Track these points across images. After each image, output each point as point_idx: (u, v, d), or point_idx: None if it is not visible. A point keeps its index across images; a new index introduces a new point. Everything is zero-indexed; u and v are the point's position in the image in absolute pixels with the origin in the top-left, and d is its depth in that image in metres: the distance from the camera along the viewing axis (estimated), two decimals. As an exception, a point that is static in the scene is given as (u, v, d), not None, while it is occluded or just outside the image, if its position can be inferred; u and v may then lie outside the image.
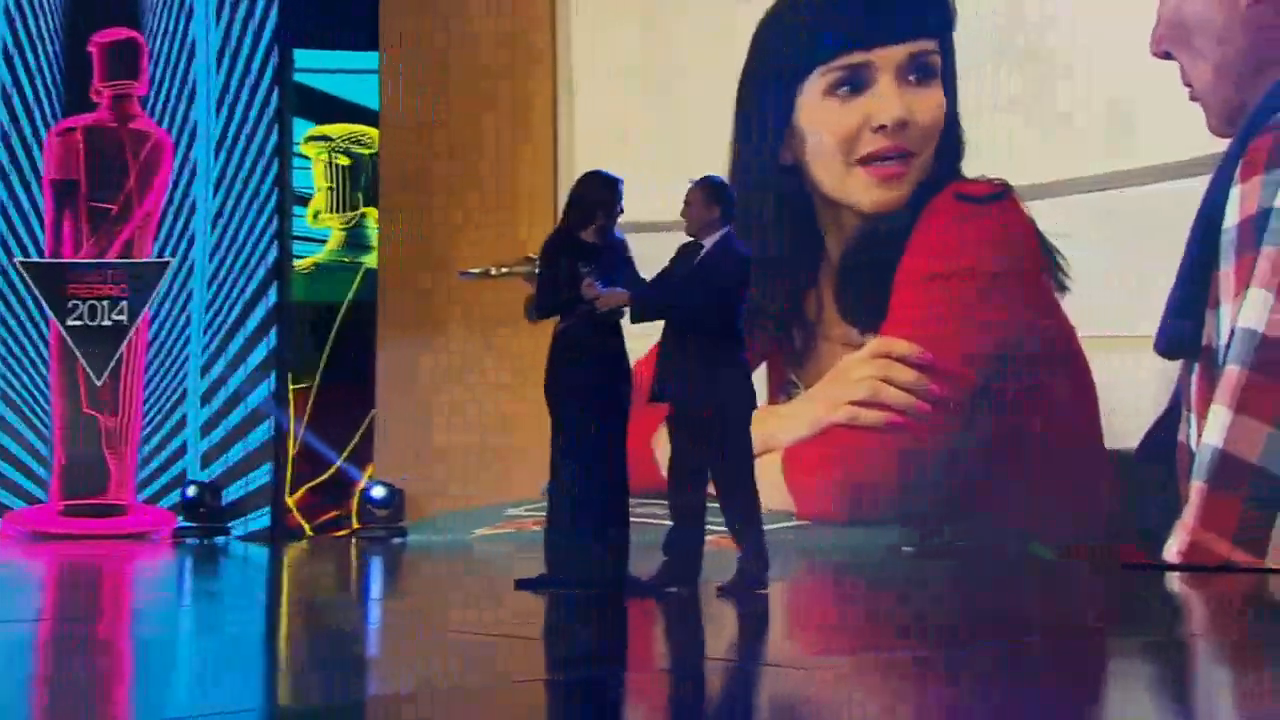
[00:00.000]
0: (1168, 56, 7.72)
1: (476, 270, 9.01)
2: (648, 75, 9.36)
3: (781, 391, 8.96)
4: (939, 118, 8.46)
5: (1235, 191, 7.34)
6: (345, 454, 9.71)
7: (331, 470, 9.65)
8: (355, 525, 9.36)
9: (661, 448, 8.97)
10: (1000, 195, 8.30)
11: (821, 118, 8.75)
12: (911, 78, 8.52)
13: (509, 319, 9.06)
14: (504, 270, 9.01)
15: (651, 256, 9.17)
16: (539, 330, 9.14)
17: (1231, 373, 7.27)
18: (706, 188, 5.27)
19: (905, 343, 8.41)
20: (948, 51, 8.45)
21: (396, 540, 8.97)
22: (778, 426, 8.66)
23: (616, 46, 9.49)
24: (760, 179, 8.97)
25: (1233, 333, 7.34)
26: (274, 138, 9.57)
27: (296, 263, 9.89)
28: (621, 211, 5.29)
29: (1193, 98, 7.62)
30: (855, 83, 8.61)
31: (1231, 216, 7.36)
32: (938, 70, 8.47)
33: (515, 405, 9.24)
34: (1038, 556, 8.08)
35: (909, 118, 8.51)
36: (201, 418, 9.46)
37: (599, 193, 5.27)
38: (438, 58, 9.52)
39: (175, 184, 9.80)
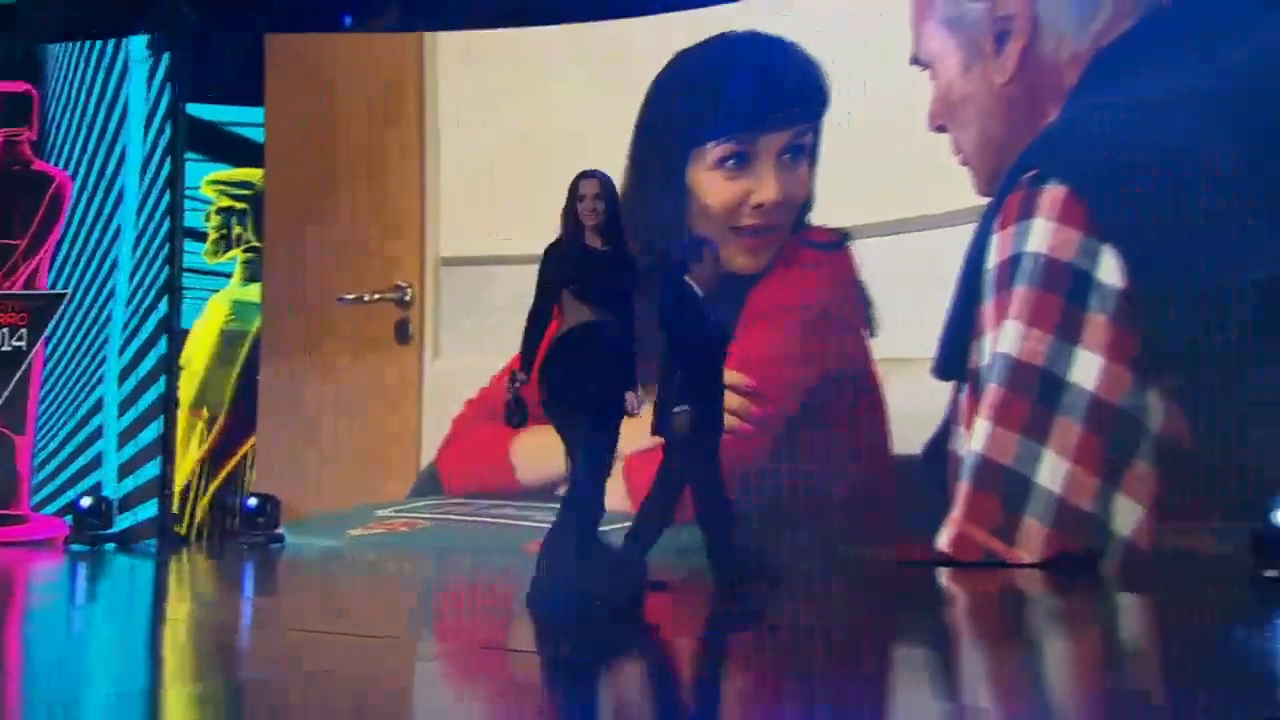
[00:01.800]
0: (942, 130, 8.17)
1: (351, 296, 9.20)
2: (512, 119, 9.43)
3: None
4: (805, 192, 8.72)
5: (994, 239, 7.73)
6: (229, 467, 9.61)
7: (218, 482, 9.54)
8: (237, 532, 9.19)
9: (520, 456, 9.09)
10: (841, 243, 8.60)
11: (709, 186, 8.94)
12: (787, 158, 8.77)
13: (381, 340, 9.30)
14: (376, 296, 9.25)
15: (525, 292, 9.51)
16: (406, 349, 9.31)
17: (991, 391, 7.58)
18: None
19: (735, 373, 8.53)
20: (818, 131, 8.73)
21: (275, 545, 8.79)
22: (625, 438, 9.00)
23: (482, 95, 9.56)
24: (646, 223, 8.94)
25: (993, 357, 7.67)
26: (165, 173, 9.53)
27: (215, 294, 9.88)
28: (604, 211, 4.47)
29: (962, 163, 8.06)
30: (741, 160, 8.85)
31: (991, 260, 7.73)
32: (809, 149, 8.75)
33: (387, 418, 9.28)
34: (844, 556, 8.19)
35: (782, 198, 8.80)
36: (115, 431, 9.46)
37: (568, 198, 4.56)
38: (317, 108, 9.54)
39: (78, 221, 9.76)
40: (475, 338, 9.34)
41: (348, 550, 8.74)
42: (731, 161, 8.84)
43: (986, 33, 8.02)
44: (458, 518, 9.12)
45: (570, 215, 4.41)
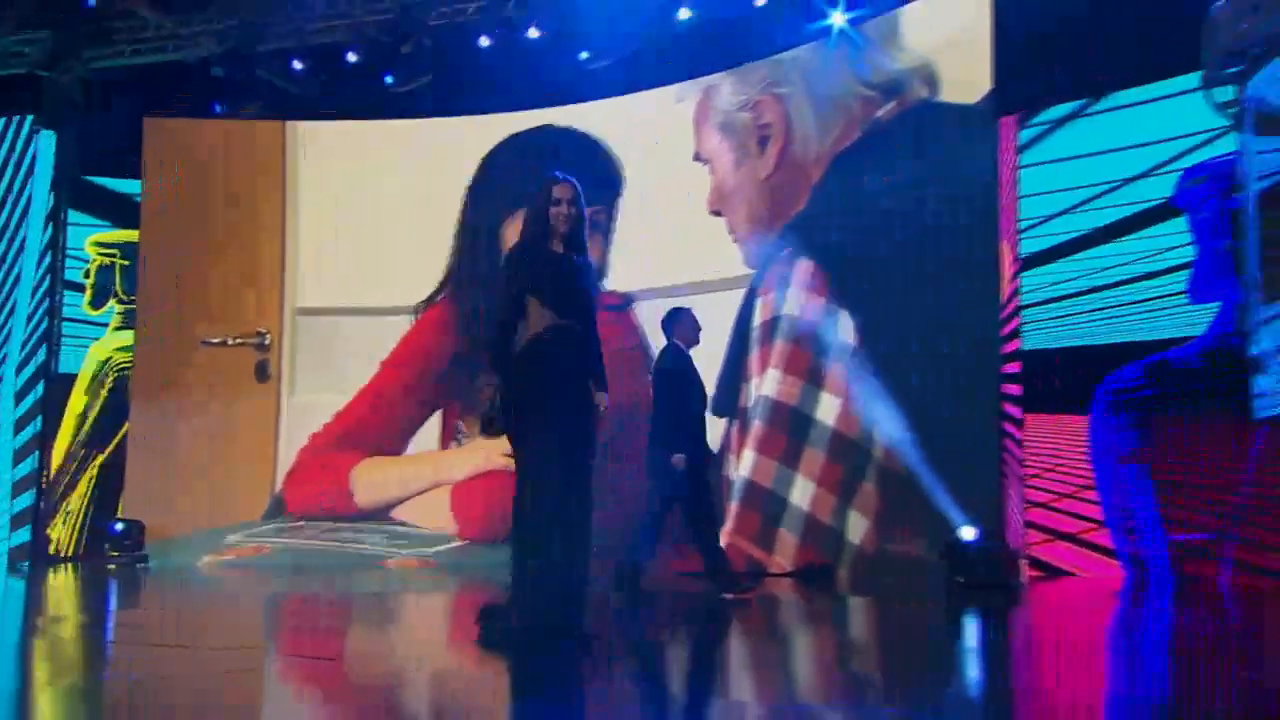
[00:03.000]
0: (718, 214, 8.72)
1: (216, 339, 9.31)
2: (358, 194, 9.61)
3: (451, 438, 9.28)
4: (601, 260, 9.08)
5: (758, 303, 8.26)
6: (101, 495, 9.48)
7: (90, 507, 9.43)
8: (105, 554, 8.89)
9: (359, 482, 9.15)
10: (628, 304, 9.04)
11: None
12: (589, 228, 9.53)
13: (243, 378, 9.35)
14: (238, 340, 9.38)
15: (369, 338, 9.44)
16: (265, 389, 9.27)
17: (756, 426, 8.07)
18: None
19: None
20: (611, 212, 9.17)
21: (140, 566, 8.62)
22: (448, 466, 9.10)
23: (334, 173, 9.73)
24: (475, 275, 9.35)
25: (757, 398, 8.13)
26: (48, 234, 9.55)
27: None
28: (576, 217, 3.85)
29: (734, 240, 8.58)
30: None
31: (756, 319, 8.25)
32: (603, 225, 9.14)
33: (246, 449, 9.27)
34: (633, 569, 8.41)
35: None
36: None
37: (534, 200, 3.93)
38: (189, 180, 9.61)
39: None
40: (326, 377, 9.43)
41: (204, 571, 8.67)
42: None
43: (752, 137, 8.57)
44: (301, 541, 9.08)
45: (539, 219, 3.81)
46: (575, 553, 3.67)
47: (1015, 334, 7.59)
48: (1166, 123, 7.31)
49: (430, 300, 9.56)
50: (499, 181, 9.51)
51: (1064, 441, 7.66)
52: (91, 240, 9.91)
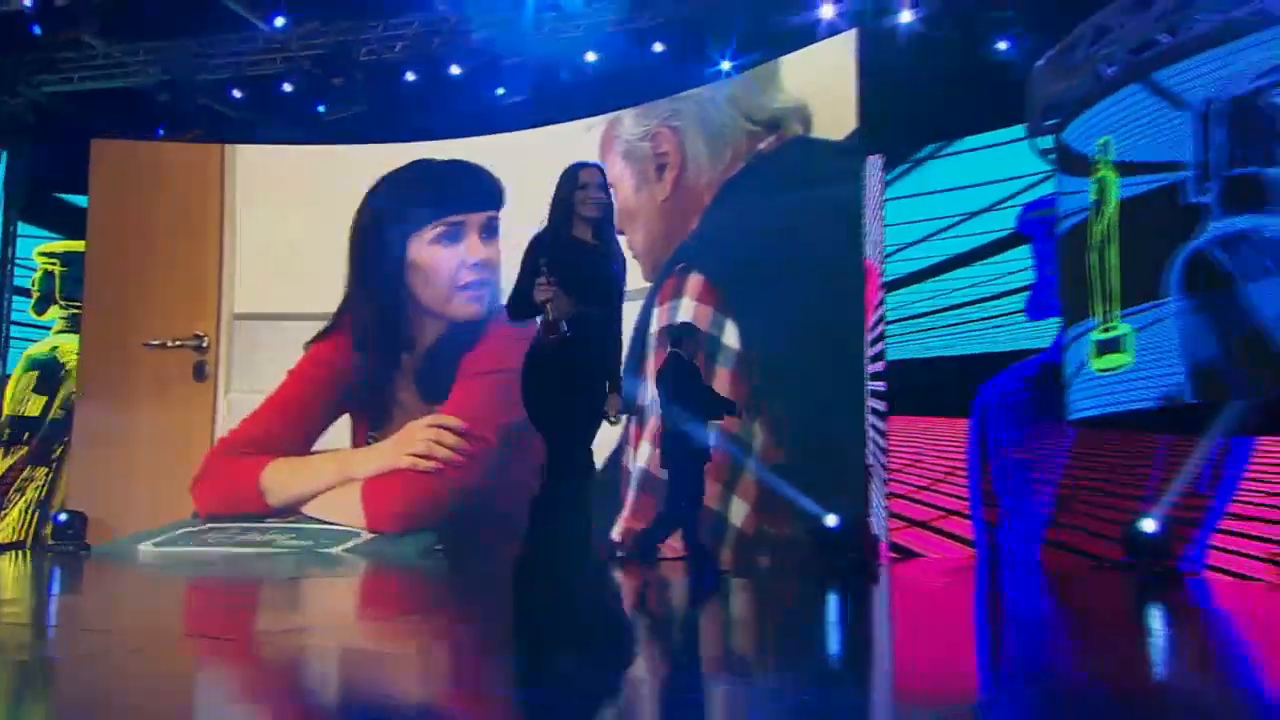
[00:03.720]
0: (621, 233, 8.88)
1: (156, 342, 9.31)
2: (291, 211, 9.56)
3: (363, 441, 9.27)
4: (499, 259, 9.18)
5: (655, 311, 8.41)
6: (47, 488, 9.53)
7: (36, 500, 9.48)
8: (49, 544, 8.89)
9: (269, 482, 9.01)
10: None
11: (431, 258, 9.31)
12: (485, 233, 9.28)
13: (182, 378, 9.34)
14: (178, 342, 9.39)
15: (298, 341, 9.23)
16: (203, 388, 9.20)
17: (652, 421, 7.95)
18: None
19: (452, 417, 8.97)
20: (497, 219, 9.27)
21: (82, 554, 8.53)
22: (359, 464, 9.12)
23: (269, 192, 9.69)
24: (371, 299, 9.45)
25: (651, 398, 7.73)
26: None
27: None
28: (603, 203, 3.56)
29: (634, 257, 8.51)
30: (451, 236, 9.29)
31: (654, 326, 8.40)
32: (496, 229, 9.28)
33: (181, 447, 9.23)
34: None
35: (488, 259, 9.24)
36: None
37: (560, 188, 3.60)
38: (134, 197, 9.59)
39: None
40: (260, 377, 9.40)
41: (142, 558, 8.54)
42: (446, 235, 9.31)
43: (651, 164, 8.78)
44: (212, 548, 8.92)
45: (565, 205, 3.49)
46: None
47: (881, 344, 8.00)
48: (1006, 164, 7.84)
49: (332, 319, 9.51)
50: (386, 210, 9.55)
51: (922, 441, 8.07)
52: (38, 250, 9.91)
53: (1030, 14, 7.39)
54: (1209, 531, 6.41)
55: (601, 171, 3.62)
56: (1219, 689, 2.52)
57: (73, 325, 9.73)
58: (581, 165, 3.60)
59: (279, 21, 8.50)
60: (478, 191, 9.34)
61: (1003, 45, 7.63)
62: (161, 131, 9.69)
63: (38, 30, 8.24)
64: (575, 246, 3.48)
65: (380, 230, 9.48)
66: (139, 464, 9.21)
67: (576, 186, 3.52)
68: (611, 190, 3.67)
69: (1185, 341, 5.78)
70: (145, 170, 9.68)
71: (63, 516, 8.88)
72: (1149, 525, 6.40)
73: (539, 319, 3.46)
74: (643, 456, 8.32)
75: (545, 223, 3.58)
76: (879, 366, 8.12)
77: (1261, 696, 2.46)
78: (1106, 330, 6.35)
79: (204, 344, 9.44)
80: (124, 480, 9.19)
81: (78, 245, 9.73)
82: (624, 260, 3.71)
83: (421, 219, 9.39)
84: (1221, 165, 5.54)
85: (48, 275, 9.87)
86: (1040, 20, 7.27)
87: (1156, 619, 4.26)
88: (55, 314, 9.88)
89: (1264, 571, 6.07)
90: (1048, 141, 7.10)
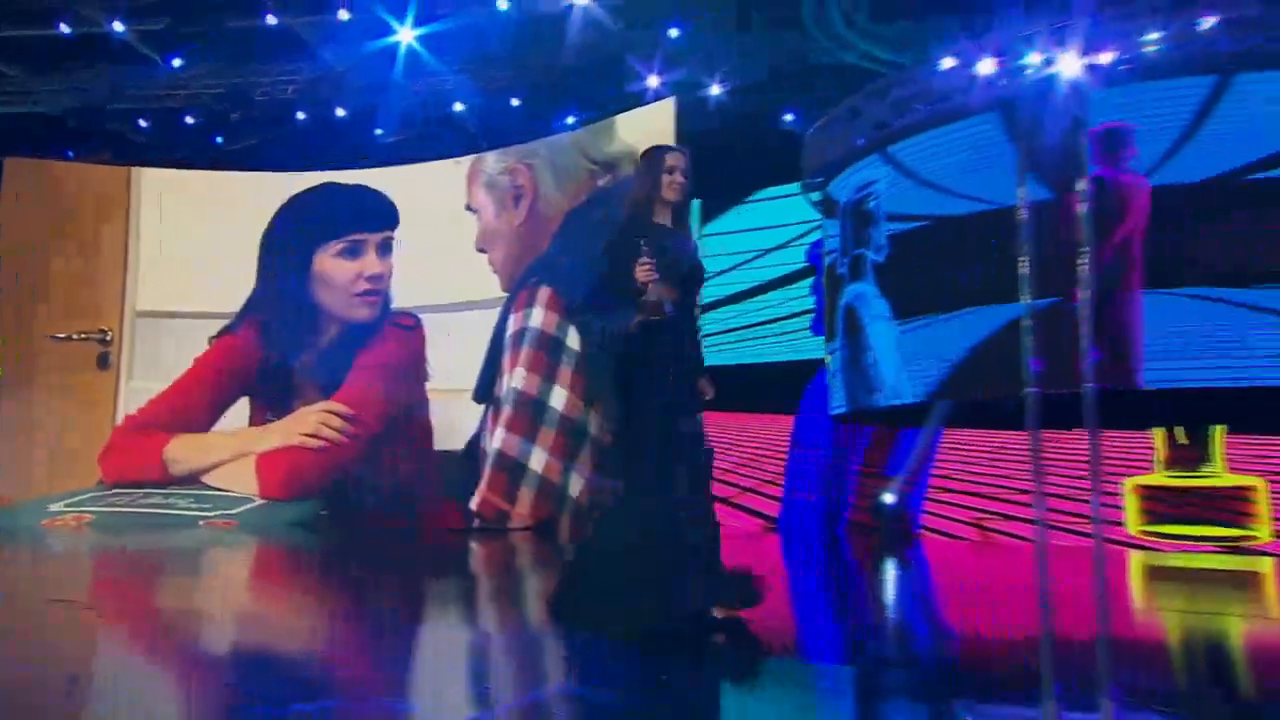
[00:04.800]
0: (483, 251, 9.28)
1: (63, 335, 9.37)
2: (189, 226, 9.77)
3: (260, 423, 9.45)
4: (391, 272, 9.55)
5: (511, 318, 8.80)
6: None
7: None
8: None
9: (171, 455, 9.05)
10: (416, 325, 9.50)
11: (333, 269, 9.50)
12: (381, 249, 9.57)
13: (84, 368, 9.39)
14: (83, 335, 9.47)
15: (195, 337, 9.27)
16: (105, 376, 9.23)
17: (506, 410, 8.59)
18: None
19: (339, 404, 9.22)
20: (392, 237, 9.63)
21: None
22: (256, 441, 9.29)
23: (171, 208, 9.83)
24: (277, 301, 9.63)
25: (508, 390, 8.65)
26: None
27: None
28: (683, 183, 3.09)
29: (494, 271, 9.17)
30: (353, 252, 9.52)
31: (509, 330, 8.77)
32: (391, 247, 9.60)
33: (85, 430, 9.31)
34: (412, 523, 8.75)
35: (382, 272, 9.53)
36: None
37: (643, 171, 3.13)
38: (45, 210, 9.61)
39: None
40: (158, 368, 9.51)
41: (44, 530, 8.50)
42: (347, 251, 9.57)
43: (509, 194, 9.19)
44: (119, 508, 8.97)
45: (648, 188, 3.05)
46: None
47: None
48: (793, 212, 8.66)
49: (237, 317, 9.68)
50: (292, 228, 9.76)
51: (732, 433, 8.70)
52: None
53: (808, 93, 8.44)
54: (922, 501, 7.64)
55: (686, 156, 3.12)
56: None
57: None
58: (666, 149, 3.13)
59: (176, 62, 8.60)
60: (377, 213, 9.59)
61: (789, 117, 8.54)
62: (71, 154, 9.65)
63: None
64: (658, 231, 3.02)
65: (289, 242, 9.64)
66: (46, 444, 9.24)
67: (663, 170, 3.06)
68: (685, 177, 3.08)
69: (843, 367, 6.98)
70: (56, 187, 9.67)
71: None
72: (887, 498, 7.59)
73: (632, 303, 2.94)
74: (497, 439, 8.67)
75: (629, 206, 3.10)
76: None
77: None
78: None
79: (108, 338, 9.51)
80: (29, 460, 9.20)
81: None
82: (697, 246, 3.25)
83: (327, 234, 9.56)
84: (850, 247, 6.87)
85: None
86: (816, 98, 8.22)
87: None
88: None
89: (970, 533, 7.25)
90: (817, 195, 7.96)
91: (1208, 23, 6.09)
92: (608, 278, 3.04)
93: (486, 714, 2.00)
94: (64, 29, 8.15)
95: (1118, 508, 6.89)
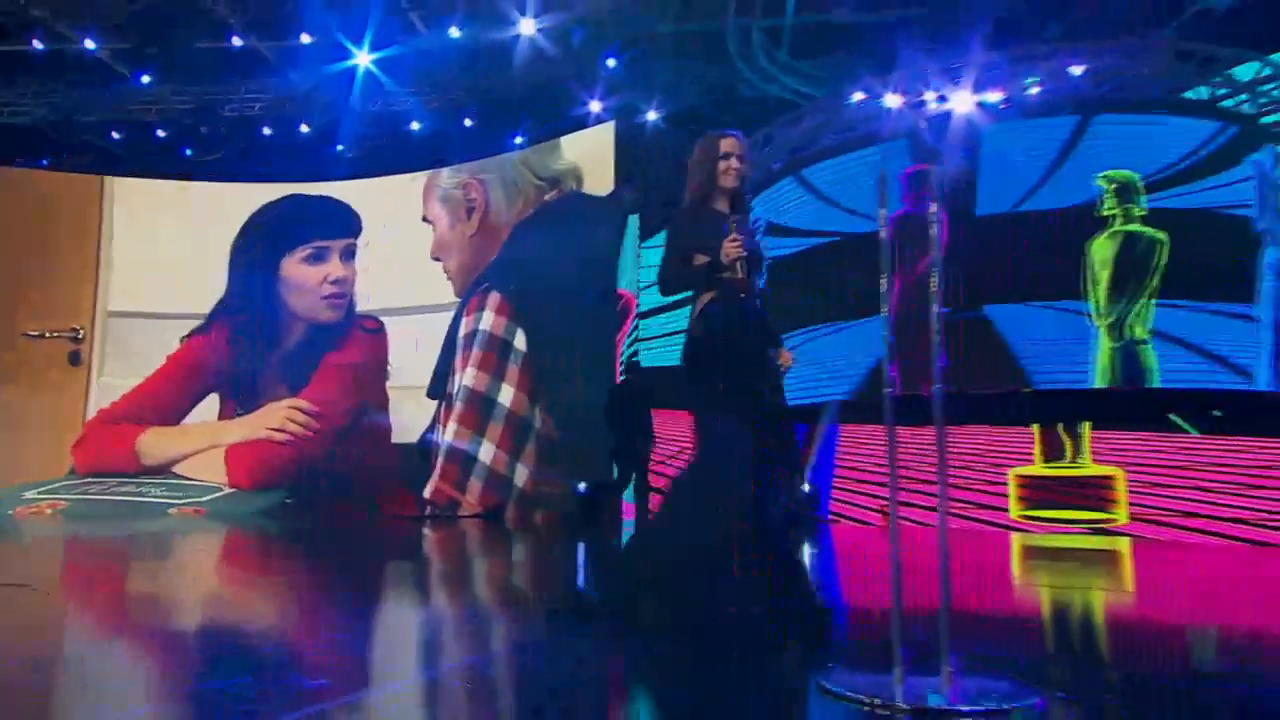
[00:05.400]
0: (438, 259, 9.50)
1: (35, 333, 9.41)
2: (159, 230, 9.83)
3: (230, 417, 9.56)
4: (354, 277, 9.69)
5: (463, 320, 9.05)
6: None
7: None
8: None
9: (144, 447, 9.09)
10: (379, 329, 9.63)
11: (299, 273, 9.64)
12: (345, 255, 9.71)
13: (55, 364, 9.42)
14: (55, 333, 9.50)
15: (163, 339, 9.35)
16: (77, 372, 9.25)
17: (458, 405, 8.82)
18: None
19: (305, 401, 9.38)
20: (355, 245, 9.77)
21: None
22: (225, 433, 9.41)
23: (140, 214, 9.83)
24: (247, 303, 9.71)
25: (459, 387, 8.86)
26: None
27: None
28: (741, 169, 2.80)
29: (449, 278, 9.38)
30: (319, 255, 9.66)
31: (462, 331, 9.01)
32: (354, 254, 9.74)
33: (52, 420, 9.33)
34: (370, 510, 8.78)
35: (346, 276, 9.67)
36: None
37: (699, 159, 2.86)
38: (22, 214, 9.57)
39: None
40: (128, 365, 9.56)
41: (16, 518, 8.52)
42: (313, 256, 9.71)
43: (462, 207, 9.43)
44: (92, 496, 9.02)
45: (706, 175, 2.79)
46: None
47: (635, 354, 8.81)
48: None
49: (208, 319, 9.75)
50: (260, 235, 9.87)
51: (665, 427, 8.29)
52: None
53: (734, 119, 8.80)
54: (829, 490, 8.07)
55: (741, 140, 2.84)
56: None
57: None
58: (721, 134, 2.84)
59: (145, 79, 8.66)
60: (341, 222, 9.75)
61: None
62: (46, 162, 9.67)
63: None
64: (717, 221, 2.74)
65: (258, 248, 9.73)
66: (18, 434, 9.22)
67: (718, 157, 2.80)
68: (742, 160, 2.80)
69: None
70: (33, 193, 9.66)
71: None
72: (805, 488, 7.97)
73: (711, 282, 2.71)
74: (449, 433, 8.94)
75: (688, 195, 2.83)
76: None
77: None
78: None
79: (80, 335, 9.55)
80: (4, 447, 9.17)
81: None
82: (760, 225, 2.91)
83: (293, 241, 9.67)
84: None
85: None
86: (741, 124, 8.74)
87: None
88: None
89: (877, 519, 7.66)
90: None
91: (1077, 70, 6.68)
92: (679, 265, 2.75)
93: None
94: (37, 45, 8.16)
95: (1004, 495, 7.33)
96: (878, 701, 1.75)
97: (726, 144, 2.82)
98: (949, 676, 1.79)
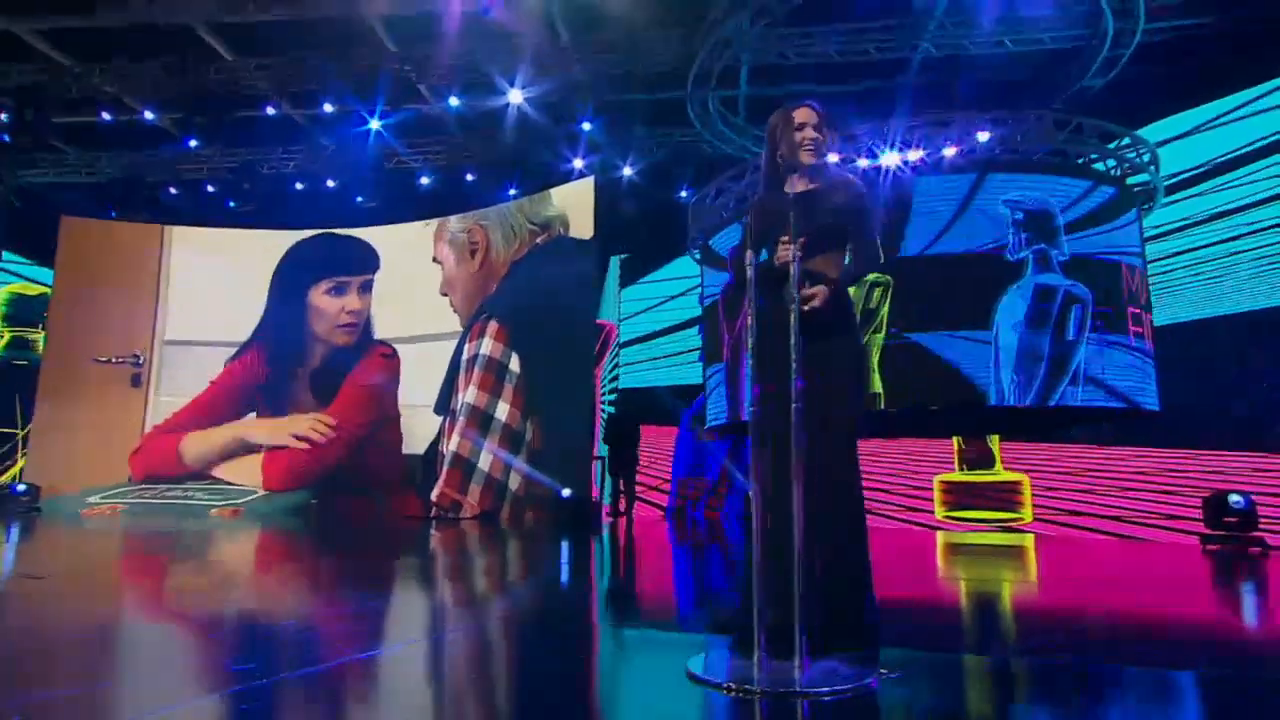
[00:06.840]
0: (445, 294, 9.63)
1: (103, 358, 9.68)
2: (212, 269, 10.05)
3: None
4: (369, 309, 9.86)
5: (466, 346, 9.10)
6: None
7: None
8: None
9: (185, 450, 9.34)
10: (393, 354, 9.75)
11: (322, 303, 9.86)
12: (362, 289, 9.89)
13: (119, 385, 9.56)
14: (119, 359, 9.76)
15: (210, 364, 9.55)
16: (137, 392, 9.46)
17: (460, 420, 8.89)
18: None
19: (326, 414, 9.55)
20: (373, 280, 9.94)
21: (34, 513, 8.45)
22: (251, 431, 9.59)
23: (197, 257, 10.13)
24: (281, 325, 9.91)
25: (462, 404, 8.93)
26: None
27: None
28: (817, 139, 2.15)
29: (454, 310, 9.48)
30: (340, 289, 9.87)
31: (465, 355, 9.07)
32: (371, 287, 9.90)
33: (115, 433, 9.54)
34: (382, 508, 8.90)
35: (361, 308, 9.85)
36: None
37: (772, 140, 2.22)
38: (92, 257, 9.86)
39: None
40: (181, 385, 9.82)
41: (83, 519, 8.52)
42: (335, 289, 9.94)
43: (466, 249, 9.61)
44: (144, 500, 9.22)
45: (786, 149, 2.17)
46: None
47: (615, 376, 9.20)
48: (688, 267, 9.13)
49: (247, 343, 9.94)
50: (292, 268, 10.08)
51: (645, 440, 8.94)
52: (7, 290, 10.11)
53: (695, 173, 9.11)
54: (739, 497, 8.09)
55: (816, 110, 2.22)
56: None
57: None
58: (794, 105, 2.22)
59: (193, 143, 8.98)
60: (361, 259, 9.92)
61: (684, 193, 9.04)
62: (115, 214, 9.96)
63: (6, 137, 8.42)
64: (784, 205, 2.14)
65: (292, 277, 9.93)
66: (86, 446, 9.48)
67: (793, 130, 2.19)
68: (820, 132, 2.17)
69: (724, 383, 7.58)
70: (102, 240, 9.98)
71: (21, 486, 8.98)
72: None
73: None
74: (453, 444, 8.98)
75: (764, 180, 2.27)
76: (613, 391, 9.17)
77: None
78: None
79: (140, 360, 9.81)
80: (71, 460, 9.43)
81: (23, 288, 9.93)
82: (856, 187, 2.21)
83: (320, 274, 9.87)
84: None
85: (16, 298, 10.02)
86: (702, 178, 8.79)
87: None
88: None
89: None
90: (697, 254, 8.50)
91: (983, 136, 7.01)
92: (741, 267, 2.07)
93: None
94: (105, 116, 8.55)
95: (929, 499, 7.56)
96: (733, 686, 1.69)
97: (798, 114, 2.18)
98: (801, 658, 1.73)
